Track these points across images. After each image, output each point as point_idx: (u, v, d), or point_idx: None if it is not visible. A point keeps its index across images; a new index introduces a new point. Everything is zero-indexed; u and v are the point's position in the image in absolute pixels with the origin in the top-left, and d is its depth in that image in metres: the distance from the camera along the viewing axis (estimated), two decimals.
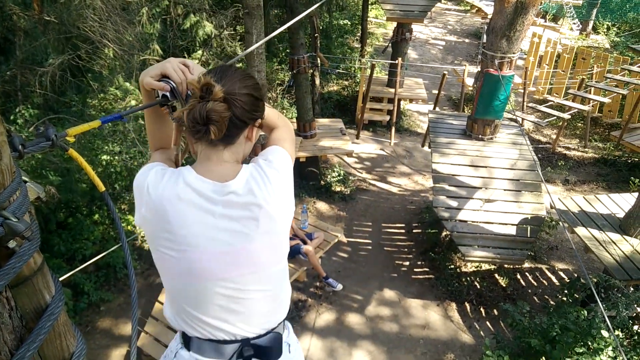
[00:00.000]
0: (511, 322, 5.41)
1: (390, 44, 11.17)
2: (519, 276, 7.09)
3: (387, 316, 6.39)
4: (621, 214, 6.28)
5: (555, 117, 10.33)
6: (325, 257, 7.10)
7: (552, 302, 6.44)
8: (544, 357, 4.75)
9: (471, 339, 6.10)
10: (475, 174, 6.67)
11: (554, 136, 10.82)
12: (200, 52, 8.31)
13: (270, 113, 1.56)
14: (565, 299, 5.89)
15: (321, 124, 9.08)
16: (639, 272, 5.36)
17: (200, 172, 1.33)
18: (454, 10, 21.27)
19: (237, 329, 1.41)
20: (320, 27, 12.32)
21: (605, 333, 4.55)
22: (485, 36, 6.87)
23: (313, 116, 8.73)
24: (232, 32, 8.82)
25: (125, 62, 6.66)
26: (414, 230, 8.03)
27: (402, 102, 11.57)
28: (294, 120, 8.72)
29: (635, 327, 5.21)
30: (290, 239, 5.96)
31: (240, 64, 7.80)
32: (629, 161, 10.12)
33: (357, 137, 10.35)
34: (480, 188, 6.51)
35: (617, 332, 4.98)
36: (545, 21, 16.91)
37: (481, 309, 6.53)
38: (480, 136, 7.15)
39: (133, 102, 6.89)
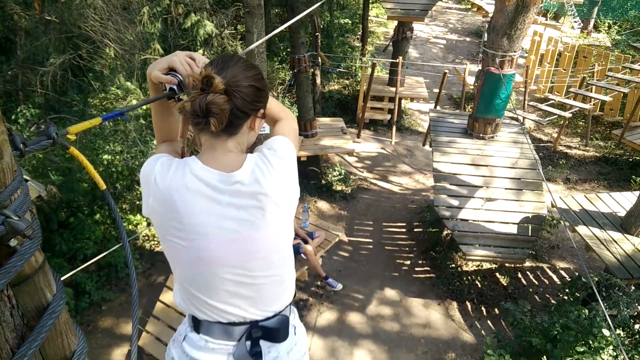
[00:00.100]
0: (512, 321, 5.41)
1: (391, 43, 11.16)
2: (520, 275, 7.08)
3: (388, 315, 6.39)
4: (622, 213, 6.27)
5: (556, 116, 10.32)
6: (326, 257, 7.11)
7: (553, 301, 6.45)
8: (545, 356, 4.75)
9: (472, 338, 6.10)
10: (476, 173, 6.67)
11: (555, 135, 10.81)
12: (201, 51, 8.31)
13: (274, 105, 1.58)
14: (566, 297, 5.89)
15: (322, 123, 9.08)
16: None
17: (205, 162, 1.36)
18: (455, 9, 21.25)
19: (245, 312, 1.45)
20: (321, 26, 12.33)
21: (606, 332, 4.55)
22: (486, 35, 6.85)
23: (314, 115, 8.73)
24: (233, 31, 8.82)
25: (126, 62, 6.66)
26: (415, 230, 8.03)
27: (403, 101, 11.56)
28: None
29: (637, 326, 5.20)
30: None
31: None
32: (630, 160, 10.11)
33: (358, 136, 10.34)
34: (481, 187, 6.51)
35: (618, 331, 4.98)
36: (547, 19, 16.88)
37: (482, 308, 6.53)
38: (481, 135, 7.15)
39: (134, 102, 6.90)
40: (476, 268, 7.11)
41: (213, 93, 1.26)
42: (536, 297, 6.72)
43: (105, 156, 6.49)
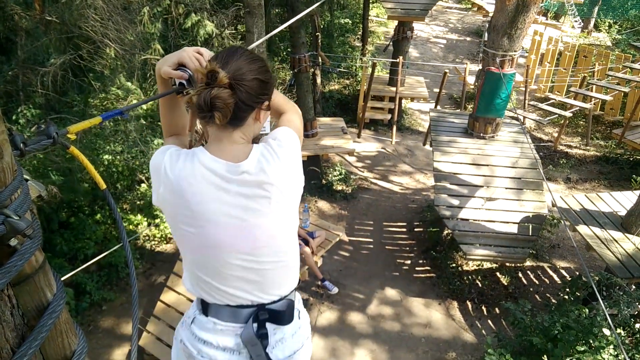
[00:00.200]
0: (513, 320, 5.41)
1: (391, 43, 11.16)
2: (520, 274, 7.08)
3: (389, 315, 6.39)
4: (623, 212, 6.26)
5: (556, 115, 10.31)
6: (327, 256, 7.11)
7: (553, 301, 6.44)
8: (545, 356, 4.75)
9: (473, 338, 6.10)
10: (477, 173, 6.66)
11: (555, 134, 10.81)
12: None
13: (278, 98, 1.62)
14: (566, 297, 5.89)
15: (322, 122, 9.08)
16: None
17: (213, 152, 1.40)
18: (455, 9, 21.25)
19: (253, 296, 1.50)
20: (322, 26, 12.32)
21: (606, 331, 4.55)
22: (486, 34, 6.85)
23: (314, 115, 8.73)
24: (233, 32, 8.82)
25: (126, 62, 6.66)
26: (416, 229, 8.03)
27: (403, 101, 11.56)
28: None
29: (637, 325, 5.20)
30: None
31: None
32: (631, 159, 10.10)
33: (359, 135, 10.34)
34: (482, 186, 6.51)
35: (618, 331, 4.98)
36: (547, 19, 16.87)
37: (483, 308, 6.53)
38: (481, 134, 7.14)
39: (134, 102, 6.90)
40: (477, 267, 7.10)
41: (218, 87, 1.29)
42: (537, 296, 6.72)
43: (106, 156, 6.50)
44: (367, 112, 10.50)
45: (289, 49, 9.62)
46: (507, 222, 6.17)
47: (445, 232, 7.48)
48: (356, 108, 11.25)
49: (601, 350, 4.45)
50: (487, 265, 7.11)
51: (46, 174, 5.52)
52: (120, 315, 6.30)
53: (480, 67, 7.14)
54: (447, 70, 9.93)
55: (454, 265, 7.10)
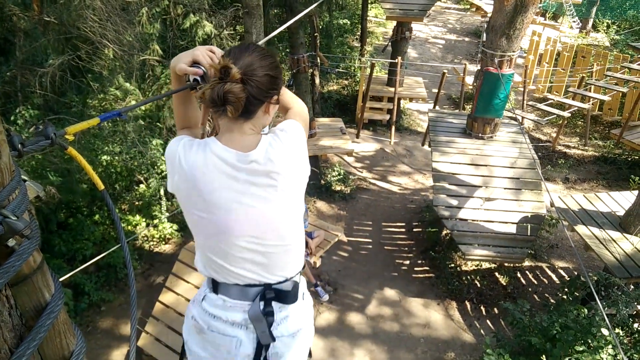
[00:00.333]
0: (511, 320, 5.41)
1: (390, 43, 11.16)
2: (519, 274, 7.09)
3: (388, 315, 6.39)
4: (621, 212, 6.27)
5: (555, 116, 10.32)
6: (326, 257, 7.11)
7: (552, 301, 6.45)
8: (544, 356, 4.75)
9: (472, 338, 6.10)
10: (476, 173, 6.67)
11: (554, 134, 10.82)
12: None
13: (286, 94, 1.71)
14: (565, 297, 5.90)
15: (321, 123, 9.08)
16: (638, 270, 5.35)
17: (224, 142, 1.48)
18: (453, 9, 21.26)
19: (259, 276, 1.59)
20: (320, 27, 12.32)
21: (605, 331, 4.56)
22: (485, 35, 6.86)
23: (313, 115, 8.73)
24: (232, 32, 8.82)
25: (125, 63, 6.65)
26: (415, 229, 8.03)
27: (402, 101, 11.57)
28: None
29: (636, 325, 5.21)
30: None
31: None
32: (629, 159, 10.12)
33: (357, 136, 10.34)
34: (481, 187, 6.51)
35: (617, 330, 4.99)
36: (545, 19, 16.88)
37: (482, 308, 6.53)
38: (480, 135, 7.15)
39: (133, 102, 6.90)
40: (475, 268, 7.11)
41: (230, 82, 1.37)
42: (535, 296, 6.72)
43: (104, 157, 6.49)
44: (366, 112, 10.49)
45: (287, 50, 9.62)
46: (506, 222, 6.18)
47: (444, 232, 7.49)
48: (355, 108, 11.25)
49: (599, 350, 4.45)
50: (485, 265, 7.11)
51: (44, 175, 5.52)
52: (119, 315, 6.30)
53: (479, 67, 7.15)
54: (445, 71, 9.93)
55: (452, 265, 7.10)
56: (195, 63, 1.51)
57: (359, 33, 14.51)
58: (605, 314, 3.58)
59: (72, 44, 6.42)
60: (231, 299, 1.59)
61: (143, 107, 6.98)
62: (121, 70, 6.80)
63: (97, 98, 7.08)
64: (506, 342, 5.39)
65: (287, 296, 1.64)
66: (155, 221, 7.48)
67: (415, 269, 7.20)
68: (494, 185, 6.53)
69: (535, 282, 6.99)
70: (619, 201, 6.59)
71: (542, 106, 10.42)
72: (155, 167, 7.20)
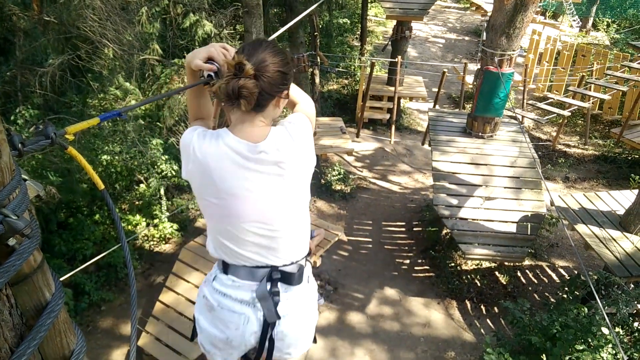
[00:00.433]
0: (512, 319, 5.42)
1: (390, 42, 11.16)
2: (519, 274, 7.09)
3: (388, 314, 6.39)
4: (621, 211, 6.27)
5: (555, 115, 10.32)
6: (326, 256, 7.11)
7: (552, 300, 6.45)
8: (544, 355, 4.75)
9: (472, 337, 6.10)
10: (476, 172, 6.67)
11: (554, 133, 10.82)
12: None
13: (294, 90, 1.80)
14: (565, 296, 5.90)
15: (321, 122, 9.08)
16: (639, 269, 5.35)
17: (236, 133, 1.57)
18: (453, 8, 21.25)
19: (266, 259, 1.70)
20: (320, 26, 12.32)
21: (605, 330, 4.56)
22: (484, 34, 6.86)
23: None
24: (232, 31, 8.82)
25: (125, 62, 6.65)
26: (415, 229, 8.03)
27: (402, 100, 11.57)
28: None
29: (636, 324, 5.21)
30: None
31: None
32: (629, 158, 10.12)
33: (357, 135, 10.34)
34: (481, 186, 6.51)
35: (617, 329, 4.99)
36: (545, 18, 16.86)
37: (482, 307, 6.53)
38: (480, 134, 7.15)
39: (133, 102, 6.89)
40: (475, 267, 7.11)
41: (244, 78, 1.46)
42: (535, 295, 6.73)
43: (104, 157, 6.49)
44: (366, 111, 10.49)
45: (287, 49, 9.62)
46: (506, 222, 6.18)
47: (444, 231, 7.49)
48: (355, 108, 11.25)
49: (600, 349, 4.46)
50: (486, 264, 7.12)
51: (44, 175, 5.52)
52: (119, 315, 6.30)
53: (479, 66, 7.15)
54: (445, 70, 9.94)
55: (452, 264, 7.10)
56: (209, 59, 1.60)
57: (358, 32, 14.51)
58: (606, 313, 3.58)
59: (72, 43, 6.42)
60: (240, 279, 1.69)
61: (143, 107, 6.98)
62: (121, 70, 6.80)
63: (97, 98, 7.08)
64: (506, 341, 5.39)
65: (292, 278, 1.73)
66: (156, 221, 7.48)
67: (416, 268, 7.21)
68: (494, 185, 6.53)
69: (536, 281, 6.99)
70: (619, 200, 6.59)
71: (542, 105, 10.41)
72: (156, 166, 7.20)
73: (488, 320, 6.35)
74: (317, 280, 6.63)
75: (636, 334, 5.16)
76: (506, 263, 6.99)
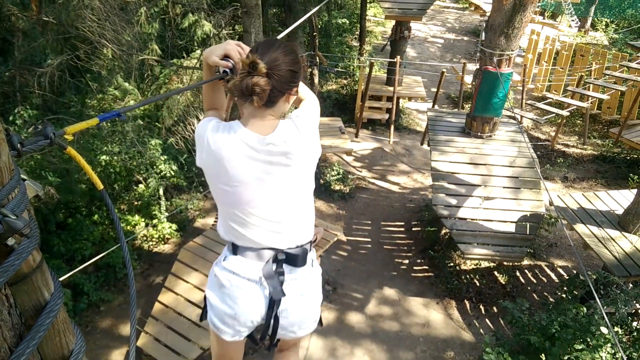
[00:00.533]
0: (511, 319, 5.42)
1: (388, 42, 11.17)
2: (518, 273, 7.10)
3: (387, 314, 6.39)
4: (620, 211, 6.28)
5: (554, 115, 10.33)
6: (325, 256, 7.11)
7: (551, 299, 6.46)
8: (543, 354, 4.76)
9: (471, 337, 6.11)
10: (475, 172, 6.68)
11: (552, 133, 10.83)
12: (199, 51, 8.31)
13: (301, 87, 1.88)
14: (564, 296, 5.91)
15: (320, 122, 8.96)
16: (637, 268, 5.36)
17: (247, 126, 1.68)
18: (452, 8, 21.27)
19: (274, 243, 1.81)
20: (319, 26, 12.33)
21: (604, 330, 4.56)
22: (483, 34, 6.86)
23: None
24: (231, 32, 8.82)
25: (124, 62, 6.65)
26: (414, 229, 8.04)
27: (401, 100, 11.57)
28: None
29: (634, 324, 5.22)
30: None
31: None
32: (628, 158, 10.13)
33: (356, 135, 10.35)
34: (480, 186, 6.52)
35: (616, 329, 5.00)
36: (544, 18, 16.88)
37: (481, 307, 6.54)
38: (479, 134, 7.16)
39: (132, 102, 6.89)
40: (474, 267, 7.12)
41: (257, 76, 1.56)
42: (534, 295, 6.73)
43: (103, 157, 6.48)
44: (365, 111, 10.50)
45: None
46: (505, 221, 6.18)
47: (443, 231, 7.49)
48: (354, 108, 11.25)
49: (599, 349, 4.46)
50: (484, 264, 7.12)
51: (43, 175, 5.51)
52: (118, 316, 6.30)
53: (478, 66, 7.15)
54: (444, 70, 9.94)
55: (451, 264, 7.11)
56: (225, 56, 1.71)
57: (357, 32, 14.51)
58: (604, 312, 3.59)
59: (71, 43, 6.42)
60: (248, 259, 1.80)
61: (142, 107, 6.98)
62: (120, 70, 6.80)
63: (95, 98, 7.07)
64: (505, 341, 5.40)
65: (296, 260, 1.83)
66: (155, 221, 7.48)
67: (415, 268, 7.21)
68: (493, 184, 6.54)
69: (534, 281, 7.00)
70: (618, 200, 6.60)
71: (541, 105, 10.42)
72: (154, 166, 7.20)
73: (487, 320, 6.35)
74: None
75: (635, 334, 5.17)
76: (505, 263, 7.00)
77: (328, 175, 9.03)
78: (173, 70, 8.04)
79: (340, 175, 9.07)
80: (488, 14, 10.61)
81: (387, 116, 10.91)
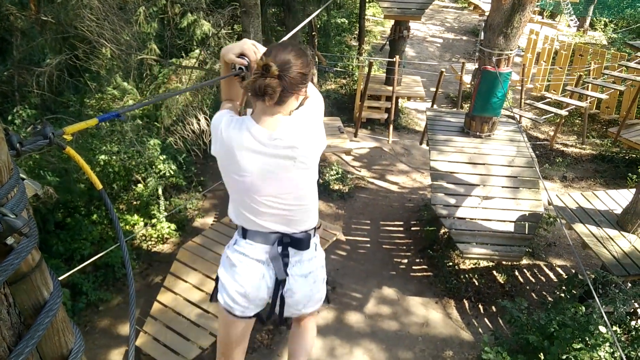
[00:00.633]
0: (509, 318, 5.43)
1: (387, 42, 11.16)
2: (517, 273, 7.10)
3: (386, 314, 6.40)
4: (619, 210, 6.29)
5: (552, 114, 10.34)
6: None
7: (550, 299, 6.46)
8: (542, 353, 4.77)
9: (470, 336, 6.11)
10: (473, 171, 6.68)
11: (551, 133, 10.83)
12: (197, 51, 8.31)
13: (308, 86, 2.02)
14: (563, 295, 5.91)
15: None
16: (636, 267, 5.37)
17: (257, 122, 1.84)
18: (451, 8, 21.27)
19: (280, 228, 1.98)
20: (318, 26, 12.33)
21: (602, 329, 4.57)
22: (482, 33, 6.87)
23: None
24: (230, 31, 8.81)
25: (122, 62, 6.65)
26: (413, 228, 8.04)
27: (400, 100, 11.57)
28: None
29: (633, 323, 5.22)
30: None
31: None
32: (627, 157, 10.14)
33: (355, 135, 10.35)
34: (478, 185, 6.52)
35: (614, 328, 5.00)
36: (543, 18, 16.89)
37: (479, 306, 6.55)
38: (478, 133, 7.16)
39: (130, 102, 6.89)
40: (473, 266, 7.12)
41: (269, 77, 1.69)
42: (533, 294, 6.74)
43: (102, 156, 6.48)
44: (364, 111, 10.49)
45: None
46: (504, 221, 6.19)
47: (442, 231, 7.50)
48: (353, 107, 11.25)
49: (597, 348, 4.47)
50: (483, 263, 7.13)
51: (42, 175, 5.51)
52: (117, 315, 6.29)
53: (477, 66, 7.16)
54: (443, 70, 9.94)
55: (450, 264, 7.11)
56: (241, 55, 1.87)
57: (356, 32, 14.51)
58: (603, 311, 3.59)
59: (70, 43, 6.41)
60: (256, 242, 1.97)
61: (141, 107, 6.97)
62: (119, 70, 6.79)
63: (94, 97, 7.07)
64: (504, 340, 5.40)
65: (300, 243, 2.00)
66: (154, 221, 7.48)
67: (414, 267, 7.21)
68: (491, 184, 6.54)
69: (533, 280, 7.00)
70: (617, 199, 6.61)
71: (539, 105, 10.43)
72: (153, 166, 7.20)
73: (486, 320, 6.36)
74: None
75: (633, 333, 5.18)
76: (504, 262, 7.01)
77: (327, 174, 9.03)
78: (172, 70, 8.03)
79: (339, 175, 9.07)
80: (487, 13, 10.62)
81: (386, 116, 10.91)
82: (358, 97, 10.72)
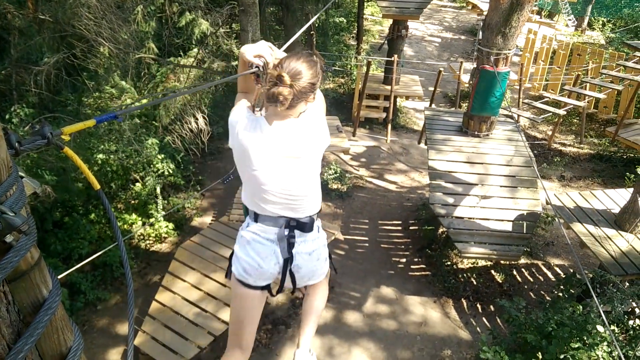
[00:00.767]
0: (507, 317, 5.43)
1: (386, 41, 11.17)
2: (515, 272, 7.12)
3: (385, 313, 6.40)
4: (616, 210, 6.30)
5: (550, 114, 10.35)
6: None
7: (548, 298, 6.48)
8: (540, 352, 4.77)
9: (468, 335, 6.12)
10: (472, 171, 6.68)
11: (549, 132, 10.85)
12: (196, 50, 8.30)
13: None
14: (561, 294, 5.92)
15: None
16: (634, 267, 5.39)
17: (270, 123, 2.06)
18: (449, 7, 21.29)
19: (287, 214, 2.22)
20: (316, 25, 12.31)
21: (600, 328, 4.58)
22: (481, 33, 6.87)
23: None
24: (228, 30, 8.80)
25: (120, 61, 6.63)
26: (411, 227, 8.05)
27: (398, 99, 11.57)
28: None
29: (631, 322, 5.23)
30: None
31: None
32: (624, 157, 10.17)
33: (354, 134, 10.35)
34: (477, 184, 6.53)
35: (612, 327, 5.01)
36: (541, 17, 16.90)
37: (478, 305, 6.56)
38: (476, 133, 7.17)
39: (129, 101, 6.88)
40: (471, 265, 7.13)
41: (282, 86, 1.91)
42: (531, 294, 6.75)
43: (100, 155, 6.47)
44: (362, 110, 10.50)
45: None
46: (502, 220, 6.19)
47: (440, 230, 7.50)
48: (351, 106, 11.26)
49: (595, 347, 4.48)
50: (481, 263, 7.14)
51: (40, 174, 5.50)
52: (115, 315, 6.29)
53: (475, 65, 7.16)
54: (441, 69, 9.94)
55: (449, 263, 7.12)
56: (258, 55, 2.07)
57: (355, 31, 14.52)
58: (601, 311, 3.60)
59: (67, 42, 6.40)
60: (266, 225, 2.23)
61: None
62: (117, 69, 6.78)
63: (92, 96, 7.05)
64: (502, 339, 5.41)
65: (305, 226, 2.26)
66: (152, 220, 7.47)
67: (412, 266, 7.22)
68: (490, 183, 6.55)
69: (531, 279, 7.02)
70: (615, 199, 6.62)
71: (537, 104, 10.44)
72: (151, 165, 7.19)
73: (484, 319, 6.37)
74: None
75: (631, 332, 5.19)
76: (502, 261, 7.02)
77: (325, 174, 9.03)
78: (170, 69, 8.03)
79: (338, 174, 9.07)
80: (485, 12, 10.63)
81: (384, 115, 10.91)
82: (356, 96, 10.73)
